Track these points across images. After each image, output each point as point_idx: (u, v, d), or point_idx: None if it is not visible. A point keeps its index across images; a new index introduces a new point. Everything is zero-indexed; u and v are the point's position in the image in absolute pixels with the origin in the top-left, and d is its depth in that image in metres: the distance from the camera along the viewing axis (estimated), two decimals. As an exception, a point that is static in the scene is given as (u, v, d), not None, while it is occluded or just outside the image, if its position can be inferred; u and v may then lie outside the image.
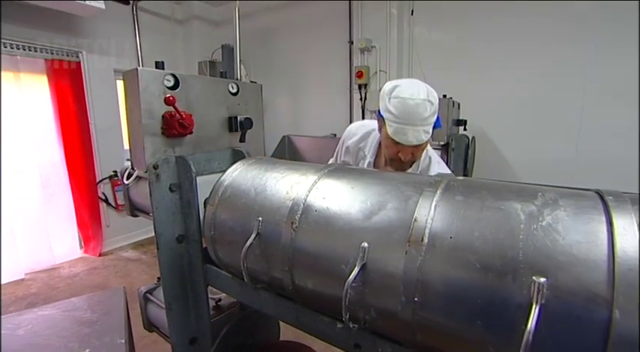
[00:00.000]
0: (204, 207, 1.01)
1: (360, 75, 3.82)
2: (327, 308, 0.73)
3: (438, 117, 1.10)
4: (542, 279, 0.46)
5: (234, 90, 1.36)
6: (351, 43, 4.03)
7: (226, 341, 1.25)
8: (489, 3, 3.37)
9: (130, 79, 1.10)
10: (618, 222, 0.46)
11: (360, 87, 3.92)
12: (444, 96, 2.88)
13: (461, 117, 3.18)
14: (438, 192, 0.60)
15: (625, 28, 2.87)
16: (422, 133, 1.05)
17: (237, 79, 1.78)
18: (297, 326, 0.85)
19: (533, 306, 0.45)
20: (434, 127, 1.09)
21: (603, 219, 0.48)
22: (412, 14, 3.72)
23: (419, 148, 1.12)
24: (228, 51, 4.26)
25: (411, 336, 0.57)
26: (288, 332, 1.43)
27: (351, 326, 0.63)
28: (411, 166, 1.22)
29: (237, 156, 1.30)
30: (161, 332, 1.45)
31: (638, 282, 0.42)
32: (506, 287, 0.48)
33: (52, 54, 3.59)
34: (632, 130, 2.90)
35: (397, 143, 1.09)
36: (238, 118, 1.33)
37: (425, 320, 0.55)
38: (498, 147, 3.66)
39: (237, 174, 0.96)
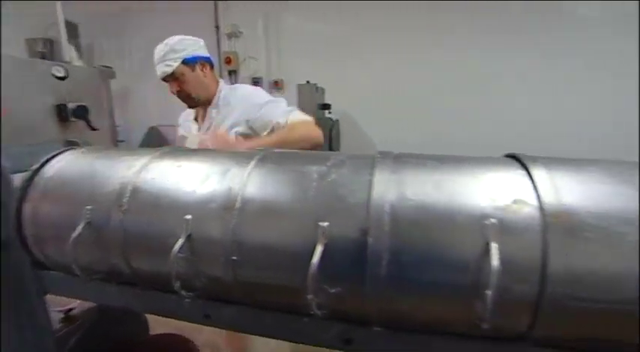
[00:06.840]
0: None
1: (228, 61, 3.75)
2: (167, 285, 0.75)
3: (192, 56, 1.49)
4: (326, 224, 0.58)
5: (61, 75, 1.21)
6: (217, 28, 3.91)
7: (78, 352, 1.14)
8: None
9: None
10: (377, 175, 0.61)
11: (230, 73, 3.86)
12: (307, 82, 3.08)
13: (325, 102, 3.44)
14: (252, 162, 0.68)
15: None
16: (163, 67, 1.43)
17: (66, 61, 1.57)
18: (149, 312, 0.85)
19: (318, 246, 0.56)
20: (189, 61, 1.45)
21: (367, 173, 0.62)
22: (279, -1, 3.82)
23: (179, 81, 1.47)
24: (70, 28, 3.65)
25: (234, 293, 0.65)
26: (167, 326, 1.37)
27: (185, 294, 0.67)
28: (191, 98, 1.64)
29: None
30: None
31: (389, 212, 0.56)
32: (299, 232, 0.59)
33: None
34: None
35: (164, 81, 1.49)
36: (68, 106, 1.19)
37: (242, 277, 0.63)
38: (363, 128, 4.10)
39: (63, 164, 0.88)
